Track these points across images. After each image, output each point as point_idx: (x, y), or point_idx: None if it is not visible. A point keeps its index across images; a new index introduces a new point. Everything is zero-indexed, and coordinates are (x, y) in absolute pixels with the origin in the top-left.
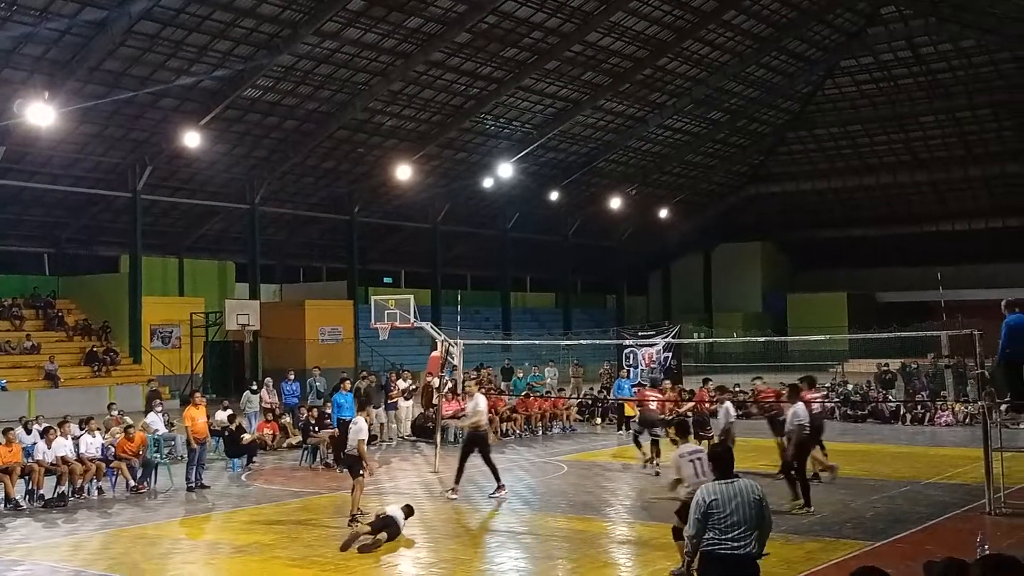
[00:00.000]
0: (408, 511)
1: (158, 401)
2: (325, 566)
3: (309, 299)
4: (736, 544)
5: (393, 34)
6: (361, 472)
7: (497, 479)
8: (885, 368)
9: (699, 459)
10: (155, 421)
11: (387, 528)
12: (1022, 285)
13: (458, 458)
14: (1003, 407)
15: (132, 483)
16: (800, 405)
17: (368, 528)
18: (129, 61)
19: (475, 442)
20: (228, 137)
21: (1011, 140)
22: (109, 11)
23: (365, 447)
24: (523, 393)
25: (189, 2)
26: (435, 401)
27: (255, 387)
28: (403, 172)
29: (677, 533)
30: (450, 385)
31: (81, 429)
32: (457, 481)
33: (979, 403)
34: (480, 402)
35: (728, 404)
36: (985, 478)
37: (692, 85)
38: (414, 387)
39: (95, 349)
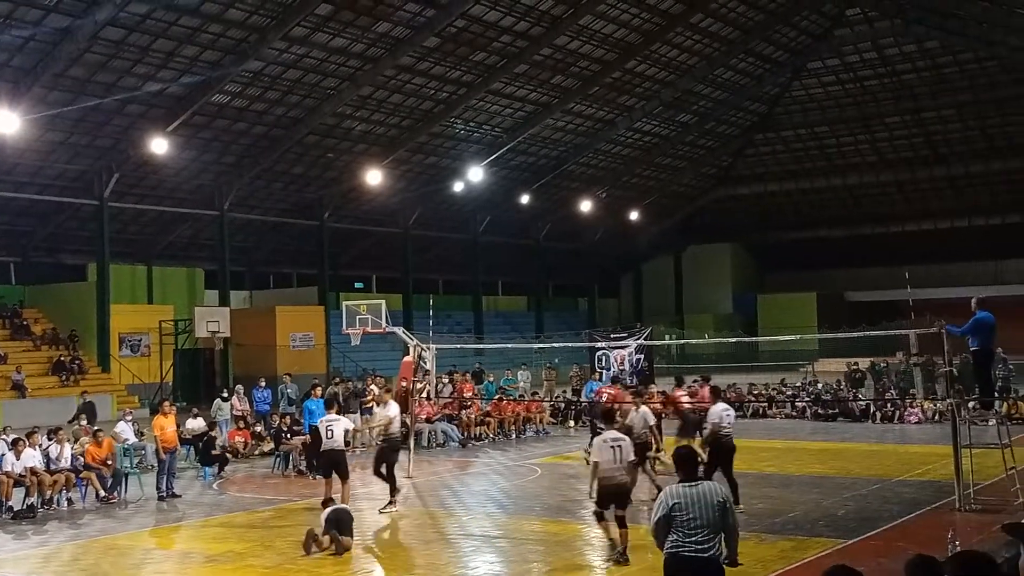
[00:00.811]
0: (329, 503)
1: (129, 411)
2: (299, 574)
3: (280, 305)
4: (699, 547)
5: (362, 39)
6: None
7: (392, 493)
8: (855, 367)
9: (619, 446)
10: (125, 430)
11: (339, 522)
12: (988, 283)
13: (382, 472)
14: (971, 404)
15: (102, 493)
16: (715, 407)
17: (323, 529)
18: (95, 67)
19: (387, 450)
20: (196, 143)
21: (975, 140)
22: (74, 17)
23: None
24: (496, 397)
25: (155, 8)
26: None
27: (226, 395)
28: (373, 177)
29: (599, 516)
30: (428, 389)
31: (50, 439)
32: (393, 491)
33: (947, 400)
34: (392, 409)
35: (644, 408)
36: (955, 475)
37: (660, 88)
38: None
39: (63, 358)
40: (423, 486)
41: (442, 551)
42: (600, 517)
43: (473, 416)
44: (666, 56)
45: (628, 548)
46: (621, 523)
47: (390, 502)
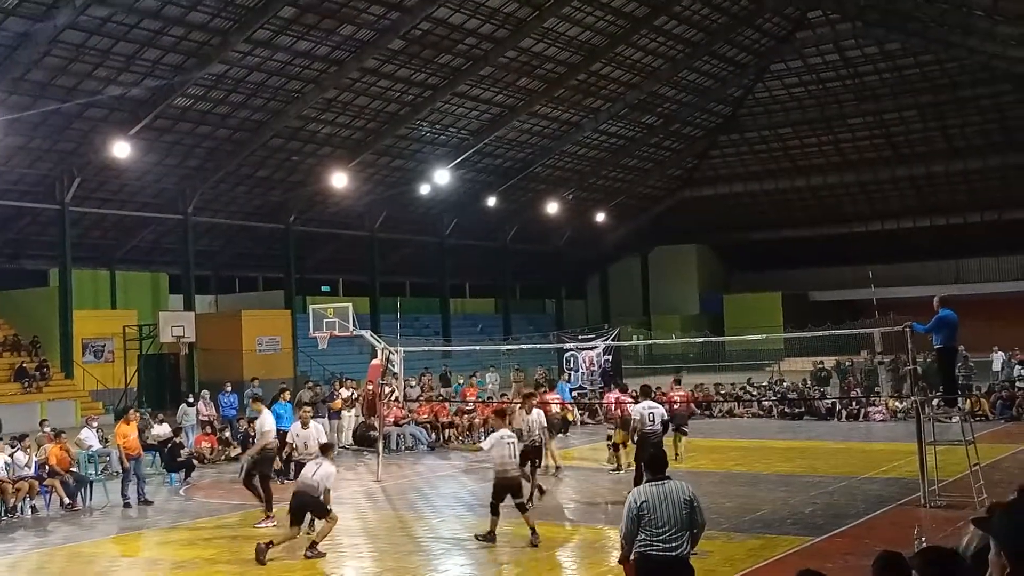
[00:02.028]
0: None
1: (93, 417)
2: None
3: (246, 309)
4: (667, 546)
5: (326, 41)
6: (329, 509)
7: (268, 508)
8: (820, 366)
9: (511, 443)
10: (89, 437)
11: (313, 507)
12: (949, 282)
13: (254, 484)
14: (935, 401)
15: (67, 500)
16: (637, 404)
17: (290, 521)
18: (55, 71)
19: (262, 461)
20: (159, 147)
21: (936, 141)
22: (33, 21)
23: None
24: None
25: (116, 11)
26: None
27: (192, 400)
28: (339, 180)
29: (493, 508)
30: (396, 393)
31: (14, 447)
32: (270, 508)
33: (912, 398)
34: (267, 421)
35: (537, 411)
36: (920, 471)
37: (626, 90)
38: (356, 396)
39: (25, 365)
40: (392, 489)
41: (412, 554)
42: (495, 511)
43: (451, 420)
44: (631, 59)
45: (536, 528)
46: (522, 508)
47: (267, 516)
